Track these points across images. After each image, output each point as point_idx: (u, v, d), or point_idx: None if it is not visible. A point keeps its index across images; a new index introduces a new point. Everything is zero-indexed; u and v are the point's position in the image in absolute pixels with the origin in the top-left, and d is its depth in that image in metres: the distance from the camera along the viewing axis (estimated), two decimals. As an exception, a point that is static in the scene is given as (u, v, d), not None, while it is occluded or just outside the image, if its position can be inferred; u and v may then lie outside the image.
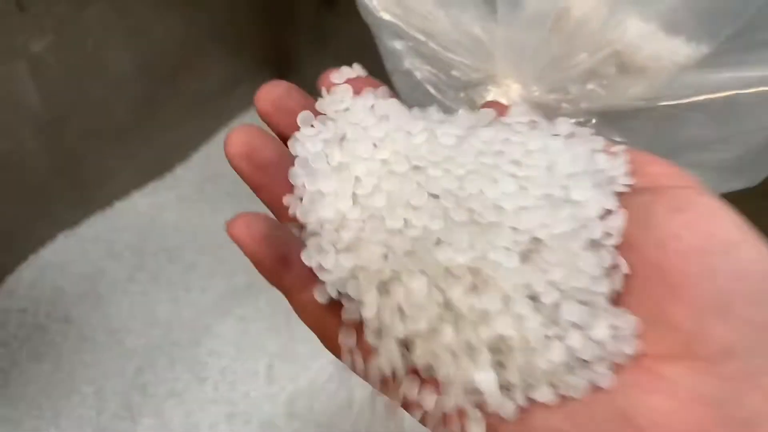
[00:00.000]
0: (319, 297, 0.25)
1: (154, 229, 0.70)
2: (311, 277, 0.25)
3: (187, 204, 0.72)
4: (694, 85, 0.28)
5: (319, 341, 0.27)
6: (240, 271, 0.66)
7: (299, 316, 0.26)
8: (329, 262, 0.25)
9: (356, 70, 0.29)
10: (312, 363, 0.60)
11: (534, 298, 0.24)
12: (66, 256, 0.67)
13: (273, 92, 0.28)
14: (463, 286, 0.24)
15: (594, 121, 0.31)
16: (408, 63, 0.35)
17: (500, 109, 0.29)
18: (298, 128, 0.28)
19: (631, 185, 0.25)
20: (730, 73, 0.27)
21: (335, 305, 0.25)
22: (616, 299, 0.24)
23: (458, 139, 0.27)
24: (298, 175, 0.27)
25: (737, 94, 0.27)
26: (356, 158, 0.27)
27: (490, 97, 0.32)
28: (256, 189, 0.27)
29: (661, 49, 0.28)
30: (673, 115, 0.29)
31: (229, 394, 0.60)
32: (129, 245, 0.68)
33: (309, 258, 0.25)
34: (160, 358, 0.61)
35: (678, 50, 0.28)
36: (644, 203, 0.24)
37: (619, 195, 0.25)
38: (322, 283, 0.25)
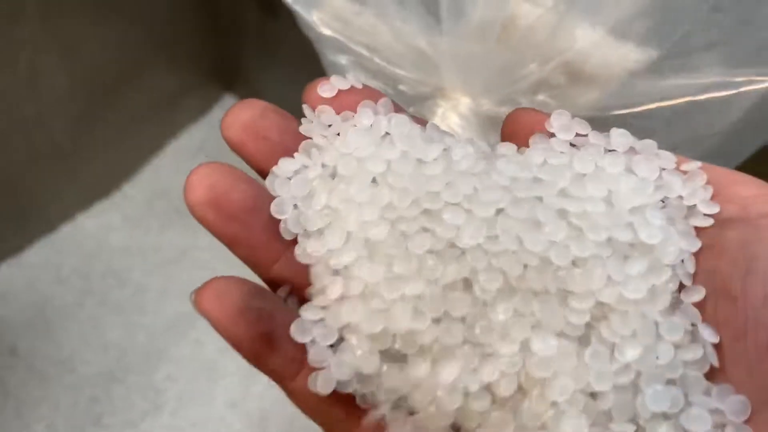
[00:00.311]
0: (321, 388, 0.20)
1: (101, 251, 0.67)
2: (305, 357, 0.20)
3: (135, 223, 0.69)
4: (646, 93, 0.27)
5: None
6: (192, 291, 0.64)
7: (297, 405, 0.21)
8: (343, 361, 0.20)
9: (350, 80, 0.23)
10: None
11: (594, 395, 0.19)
12: (10, 285, 0.64)
13: (244, 114, 0.22)
14: (507, 387, 0.20)
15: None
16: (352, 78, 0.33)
17: (534, 122, 0.23)
18: (276, 160, 0.22)
19: (715, 215, 0.20)
20: (680, 80, 0.27)
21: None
22: (713, 373, 0.19)
23: (481, 164, 0.22)
24: (289, 229, 0.22)
25: (688, 101, 0.27)
26: (349, 203, 0.21)
27: (439, 112, 0.31)
28: (230, 244, 0.22)
29: (610, 56, 0.27)
30: (626, 124, 0.28)
31: (188, 420, 0.58)
32: (76, 270, 0.66)
33: (300, 334, 0.20)
34: (115, 387, 0.59)
35: (627, 56, 0.27)
36: (740, 241, 0.19)
37: (701, 230, 0.20)
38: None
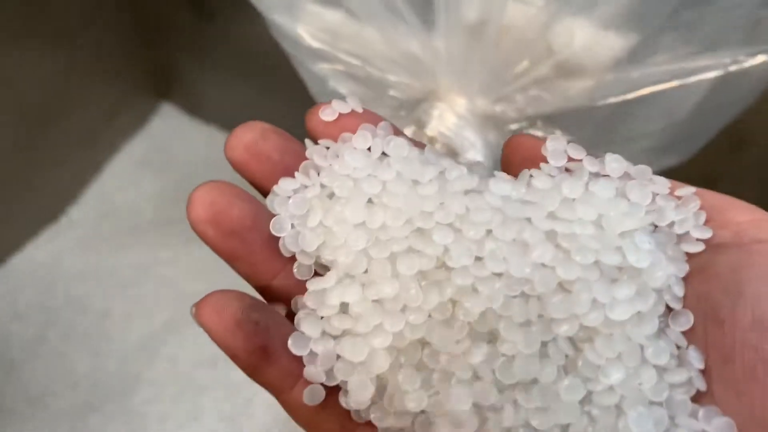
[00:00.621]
0: (309, 399, 0.21)
1: (57, 279, 0.65)
2: (301, 368, 0.21)
3: (88, 246, 0.67)
4: (633, 81, 0.28)
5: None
6: (158, 309, 0.63)
7: (292, 417, 0.22)
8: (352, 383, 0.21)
9: (351, 104, 0.24)
10: (260, 390, 0.58)
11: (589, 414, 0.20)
12: (-36, 326, 0.62)
13: (246, 136, 0.23)
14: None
15: (539, 123, 0.31)
16: (337, 86, 0.33)
17: (531, 147, 0.24)
18: (277, 179, 0.23)
19: (707, 239, 0.21)
20: (666, 67, 0.28)
21: (333, 400, 0.22)
22: (700, 395, 0.20)
23: (474, 185, 0.23)
24: (287, 247, 0.22)
25: (677, 85, 0.28)
26: (343, 224, 0.22)
27: (435, 114, 0.31)
28: (229, 260, 0.22)
29: (596, 45, 0.28)
30: (617, 112, 0.29)
31: (174, 441, 0.57)
32: (33, 302, 0.63)
33: (297, 347, 0.21)
34: (93, 417, 0.58)
35: (612, 44, 0.28)
36: (731, 266, 0.20)
37: (694, 254, 0.21)
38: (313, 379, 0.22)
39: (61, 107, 0.66)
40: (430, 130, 0.30)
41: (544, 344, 0.21)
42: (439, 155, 0.24)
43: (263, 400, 0.58)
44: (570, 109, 0.29)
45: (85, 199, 0.70)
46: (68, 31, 0.63)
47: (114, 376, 0.60)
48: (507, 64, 0.29)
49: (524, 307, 0.21)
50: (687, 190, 0.22)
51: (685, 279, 0.21)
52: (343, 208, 0.22)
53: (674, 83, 0.27)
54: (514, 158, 0.24)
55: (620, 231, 0.21)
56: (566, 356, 0.21)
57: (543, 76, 0.29)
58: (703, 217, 0.21)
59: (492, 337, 0.21)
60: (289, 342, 0.21)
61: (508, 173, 0.24)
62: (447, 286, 0.21)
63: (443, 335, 0.21)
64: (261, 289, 0.23)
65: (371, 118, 0.24)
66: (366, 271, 0.22)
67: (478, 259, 0.21)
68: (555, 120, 0.30)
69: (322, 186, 0.23)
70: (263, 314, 0.21)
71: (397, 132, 0.24)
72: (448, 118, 0.30)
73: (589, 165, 0.22)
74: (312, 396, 0.21)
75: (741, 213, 0.21)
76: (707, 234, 0.21)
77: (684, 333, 0.20)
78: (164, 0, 0.68)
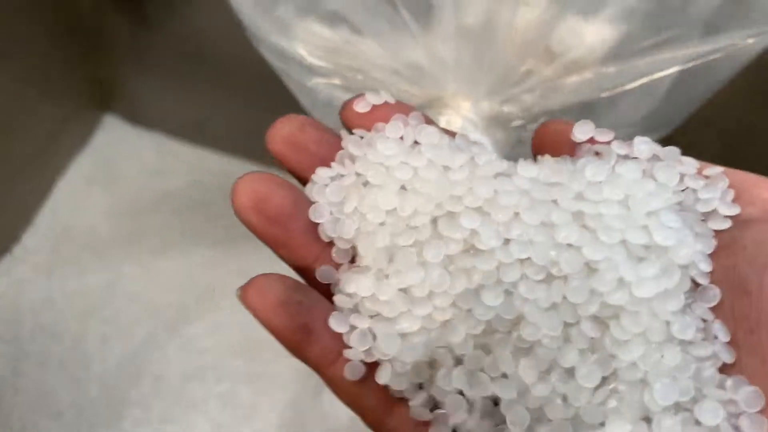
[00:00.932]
0: (350, 374, 0.23)
1: (22, 310, 0.63)
2: (342, 346, 0.23)
3: (48, 272, 0.65)
4: (628, 72, 0.29)
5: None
6: (134, 327, 0.62)
7: (333, 392, 0.23)
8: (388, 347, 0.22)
9: (383, 96, 0.25)
10: (257, 398, 0.58)
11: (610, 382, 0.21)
12: (-70, 371, 0.59)
13: (284, 128, 0.24)
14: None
15: (542, 119, 0.31)
16: (332, 98, 0.33)
17: (560, 132, 0.24)
18: (314, 169, 0.24)
19: (736, 216, 0.22)
20: (659, 56, 0.29)
21: (373, 376, 0.23)
22: (728, 366, 0.21)
23: (503, 168, 0.23)
24: (327, 230, 0.24)
25: (667, 74, 0.29)
26: (376, 210, 0.23)
27: (443, 121, 0.31)
28: (272, 245, 0.24)
29: (594, 39, 0.29)
30: (608, 102, 0.30)
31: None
32: (1, 337, 0.61)
33: (338, 323, 0.23)
34: (81, 447, 0.57)
35: (607, 36, 0.28)
36: (758, 239, 0.20)
37: (722, 232, 0.22)
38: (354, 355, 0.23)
39: (2, 132, 0.63)
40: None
41: (567, 326, 0.22)
42: (469, 142, 0.25)
43: (260, 409, 0.58)
44: (572, 103, 0.30)
45: (38, 224, 0.68)
46: (2, 50, 0.60)
47: (98, 402, 0.58)
48: (513, 66, 0.29)
49: (548, 291, 0.22)
50: (715, 170, 0.23)
51: (713, 254, 0.22)
52: (376, 195, 0.23)
53: (667, 71, 0.28)
54: (545, 144, 0.25)
55: (646, 211, 0.22)
56: (591, 338, 0.21)
57: (546, 73, 0.29)
58: (731, 195, 0.22)
59: (516, 323, 0.22)
60: (330, 320, 0.23)
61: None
62: (473, 273, 0.22)
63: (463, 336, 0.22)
64: (302, 272, 0.24)
65: (403, 108, 0.25)
66: (391, 260, 0.23)
67: (506, 242, 0.22)
68: (556, 115, 0.31)
69: (357, 174, 0.24)
70: (305, 295, 0.23)
71: (429, 121, 0.25)
72: (455, 122, 0.30)
73: (617, 148, 0.23)
74: (353, 371, 0.22)
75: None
76: (735, 210, 0.22)
77: (711, 307, 0.21)
78: (99, 11, 0.66)
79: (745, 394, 0.20)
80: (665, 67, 0.28)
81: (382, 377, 0.23)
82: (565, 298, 0.22)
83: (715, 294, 0.21)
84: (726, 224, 0.22)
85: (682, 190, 0.23)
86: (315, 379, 0.57)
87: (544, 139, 0.25)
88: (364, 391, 0.23)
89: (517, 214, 0.22)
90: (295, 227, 0.23)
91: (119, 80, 0.72)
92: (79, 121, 0.72)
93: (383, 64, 0.30)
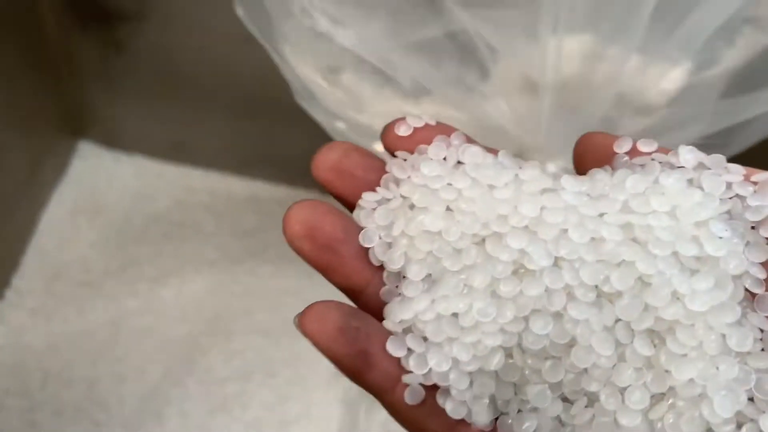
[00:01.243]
0: (410, 399, 0.23)
1: (26, 359, 0.61)
2: (401, 371, 0.23)
3: (46, 315, 0.63)
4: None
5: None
6: (148, 364, 0.61)
7: (394, 417, 0.24)
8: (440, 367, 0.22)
9: (424, 118, 0.25)
10: (290, 427, 0.58)
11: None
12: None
13: (330, 156, 0.24)
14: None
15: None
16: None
17: (604, 144, 0.24)
18: (361, 194, 0.24)
19: None
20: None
21: (434, 400, 0.23)
22: None
23: (548, 184, 0.23)
24: (377, 254, 0.24)
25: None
26: (423, 233, 0.23)
27: None
28: (325, 272, 0.24)
29: (654, 77, 0.29)
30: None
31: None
32: (9, 389, 0.59)
33: (395, 348, 0.23)
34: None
35: (675, 77, 0.29)
36: None
37: None
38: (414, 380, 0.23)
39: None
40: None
41: (621, 346, 0.22)
42: (514, 160, 0.25)
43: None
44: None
45: (26, 264, 0.66)
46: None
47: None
48: (591, 115, 0.29)
49: (600, 312, 0.22)
50: (764, 175, 0.23)
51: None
52: (422, 218, 0.23)
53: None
54: (586, 156, 0.25)
55: (695, 221, 0.22)
56: (645, 357, 0.21)
57: (620, 117, 0.30)
58: None
59: (570, 345, 0.22)
60: (387, 344, 0.23)
61: (580, 172, 0.25)
62: (520, 298, 0.22)
63: (508, 368, 0.23)
64: (355, 297, 0.24)
65: (445, 129, 0.26)
66: (437, 284, 0.23)
67: (556, 261, 0.22)
68: None
69: (403, 197, 0.24)
70: (362, 320, 0.23)
71: (471, 141, 0.25)
72: None
73: (658, 158, 0.23)
74: (413, 396, 0.23)
75: None
76: None
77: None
78: (66, 36, 0.63)
79: None
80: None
81: (443, 402, 0.23)
82: (618, 317, 0.22)
83: None
84: None
85: (730, 198, 0.22)
86: (347, 396, 0.57)
87: (586, 151, 0.25)
88: (425, 414, 0.23)
89: (564, 231, 0.22)
90: (346, 253, 0.24)
91: (91, 105, 0.69)
92: (54, 151, 0.69)
93: (455, 125, 0.30)
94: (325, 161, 0.24)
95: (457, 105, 0.29)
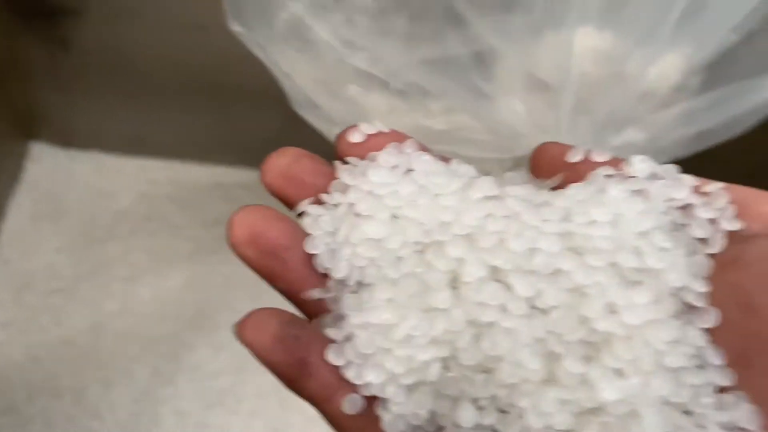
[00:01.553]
0: (349, 408, 0.22)
1: (8, 374, 0.59)
2: (340, 380, 0.22)
3: (19, 328, 0.61)
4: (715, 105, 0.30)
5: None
6: (136, 364, 0.60)
7: (332, 427, 0.23)
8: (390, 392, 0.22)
9: (377, 125, 0.25)
10: (289, 414, 0.59)
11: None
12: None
13: (279, 161, 0.24)
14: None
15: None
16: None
17: (558, 154, 0.24)
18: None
19: (739, 232, 0.21)
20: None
21: (372, 409, 0.22)
22: (739, 383, 0.20)
23: (496, 193, 0.23)
24: (322, 261, 0.23)
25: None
26: (365, 241, 0.23)
27: None
28: (269, 278, 0.24)
29: (663, 67, 0.29)
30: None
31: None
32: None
33: (336, 356, 0.22)
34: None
35: (677, 64, 0.29)
36: (762, 254, 0.20)
37: (727, 247, 0.21)
38: (353, 389, 0.22)
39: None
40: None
41: (552, 360, 0.21)
42: (467, 167, 0.24)
43: (291, 421, 0.59)
44: (664, 140, 0.30)
45: (-9, 277, 0.63)
46: None
47: (121, 449, 0.58)
48: (609, 115, 0.29)
49: (530, 325, 0.21)
50: (715, 186, 0.22)
51: (719, 270, 0.21)
52: (366, 226, 0.23)
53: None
54: (540, 165, 0.25)
55: (637, 231, 0.21)
56: (577, 373, 0.21)
57: (636, 113, 0.30)
58: (732, 211, 0.21)
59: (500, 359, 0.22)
60: (328, 353, 0.22)
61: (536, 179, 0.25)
62: (453, 311, 0.22)
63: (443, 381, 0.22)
64: (300, 305, 0.24)
65: (398, 137, 0.25)
66: (372, 293, 0.23)
67: (493, 270, 0.22)
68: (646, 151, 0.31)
69: (350, 204, 0.24)
70: (301, 328, 0.23)
71: (424, 149, 0.25)
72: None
73: (604, 169, 0.23)
74: (352, 405, 0.22)
75: None
76: (737, 226, 0.21)
77: (720, 324, 0.21)
78: (10, 37, 0.60)
79: (742, 413, 0.20)
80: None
81: (382, 414, 0.22)
82: (550, 330, 0.21)
83: (710, 317, 0.21)
84: (720, 245, 0.21)
85: (681, 209, 0.22)
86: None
87: (541, 162, 0.25)
88: (365, 424, 0.22)
89: (504, 240, 0.22)
90: (291, 259, 0.23)
91: (41, 105, 0.66)
92: (5, 155, 0.66)
93: (470, 126, 0.30)
94: (274, 167, 0.24)
95: (471, 112, 0.29)
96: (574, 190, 0.23)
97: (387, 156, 0.24)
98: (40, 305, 0.63)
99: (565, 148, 0.25)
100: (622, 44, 0.28)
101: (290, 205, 0.25)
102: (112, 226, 0.67)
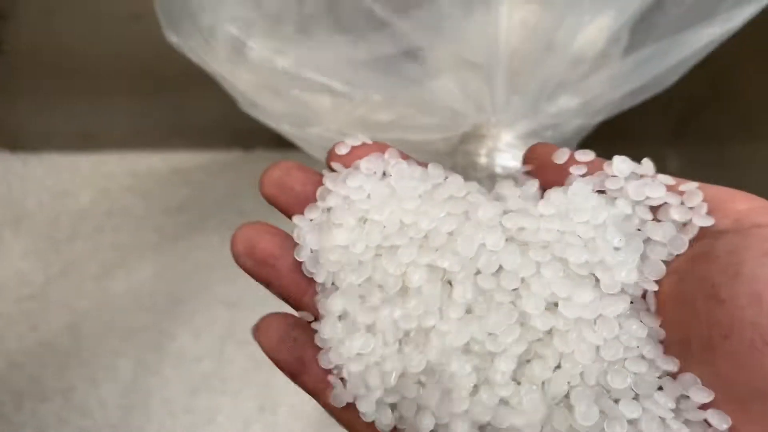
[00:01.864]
0: (335, 402, 0.25)
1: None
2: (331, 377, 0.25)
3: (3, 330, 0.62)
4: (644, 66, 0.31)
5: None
6: (119, 358, 0.61)
7: (328, 413, 0.26)
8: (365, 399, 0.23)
9: (361, 138, 0.27)
10: (276, 391, 0.60)
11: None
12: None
13: (273, 174, 0.27)
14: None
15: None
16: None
17: (545, 153, 0.25)
18: (302, 209, 0.26)
19: (710, 227, 0.22)
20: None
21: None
22: (701, 366, 0.21)
23: (462, 195, 0.24)
24: (308, 267, 0.25)
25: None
26: (333, 247, 0.25)
27: (483, 153, 0.32)
28: (266, 284, 0.27)
29: (591, 32, 0.30)
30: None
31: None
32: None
33: (323, 361, 0.25)
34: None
35: (602, 26, 0.30)
36: (730, 248, 0.21)
37: (698, 243, 0.22)
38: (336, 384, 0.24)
39: None
40: (480, 171, 0.31)
41: (489, 357, 0.22)
42: (444, 172, 0.25)
43: (279, 396, 0.60)
44: (597, 103, 0.32)
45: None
46: None
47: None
48: (535, 84, 0.30)
49: (467, 327, 0.22)
50: (690, 185, 0.23)
51: (690, 264, 0.22)
52: (335, 232, 0.25)
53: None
54: (531, 165, 0.27)
55: (591, 227, 0.22)
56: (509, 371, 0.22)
57: (570, 77, 0.31)
58: (705, 208, 0.22)
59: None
60: (319, 357, 0.25)
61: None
62: (400, 322, 0.23)
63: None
64: (296, 306, 0.27)
65: (380, 147, 0.27)
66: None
67: (443, 272, 0.23)
68: (581, 115, 0.33)
69: (328, 210, 0.26)
70: (302, 331, 0.26)
71: (405, 157, 0.27)
72: (496, 152, 0.31)
73: (576, 169, 0.24)
74: (337, 400, 0.25)
75: (741, 202, 0.22)
76: (709, 222, 0.22)
77: (686, 313, 0.21)
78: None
79: (693, 391, 0.21)
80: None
81: (360, 407, 0.24)
82: (489, 332, 0.22)
83: (652, 321, 0.22)
84: (684, 247, 0.22)
85: (659, 206, 0.23)
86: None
87: (531, 161, 0.26)
88: (354, 416, 0.25)
89: (454, 240, 0.23)
90: (282, 267, 0.26)
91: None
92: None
93: (412, 116, 0.31)
94: (269, 179, 0.27)
95: (409, 100, 0.30)
96: (528, 187, 0.24)
97: (368, 162, 0.26)
98: (13, 313, 0.63)
99: (552, 148, 0.25)
100: (549, 15, 0.29)
101: (285, 212, 0.27)
102: (75, 225, 0.67)
